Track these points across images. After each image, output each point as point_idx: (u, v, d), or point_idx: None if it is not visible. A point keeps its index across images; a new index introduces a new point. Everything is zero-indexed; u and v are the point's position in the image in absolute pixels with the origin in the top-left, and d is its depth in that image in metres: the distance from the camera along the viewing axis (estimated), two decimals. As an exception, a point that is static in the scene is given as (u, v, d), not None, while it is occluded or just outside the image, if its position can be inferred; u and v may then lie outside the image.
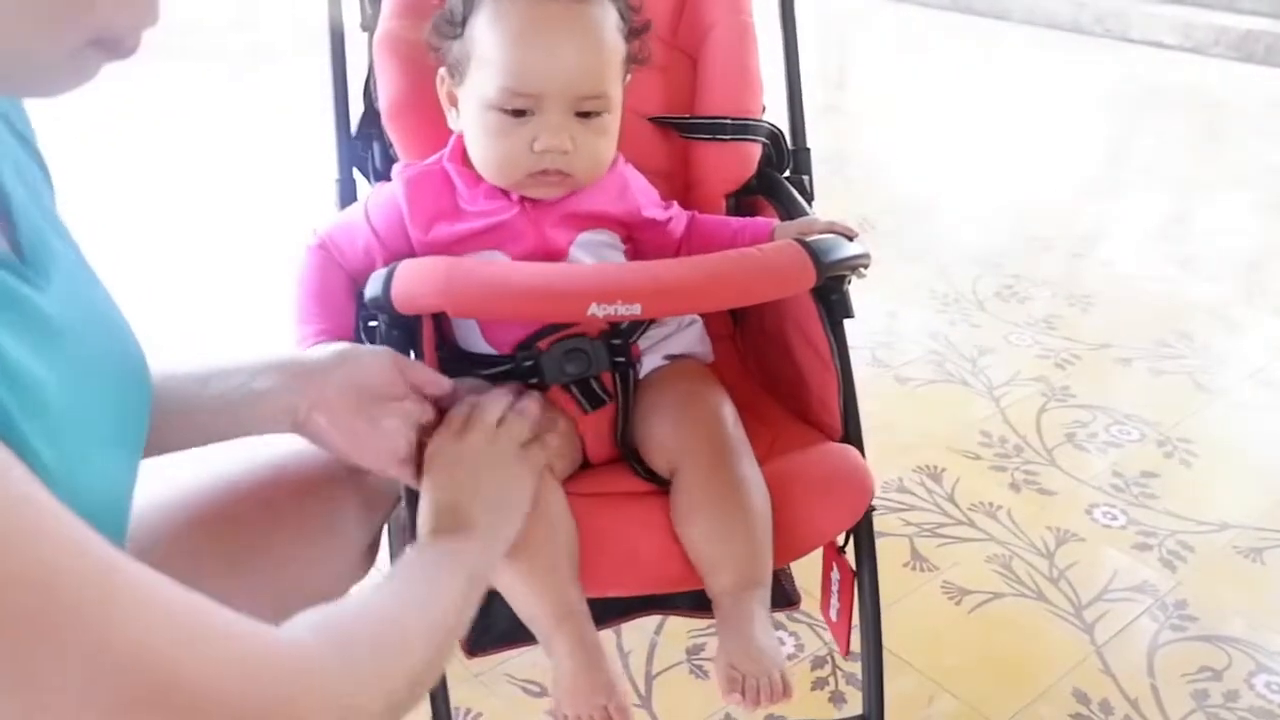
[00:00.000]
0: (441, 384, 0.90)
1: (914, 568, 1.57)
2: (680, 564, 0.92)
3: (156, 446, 0.78)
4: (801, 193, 1.18)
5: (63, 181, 0.72)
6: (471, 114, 0.97)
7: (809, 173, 1.23)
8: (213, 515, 0.87)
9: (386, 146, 1.14)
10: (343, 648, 0.56)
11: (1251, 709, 1.33)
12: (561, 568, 0.89)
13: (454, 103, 1.01)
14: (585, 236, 1.01)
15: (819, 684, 1.35)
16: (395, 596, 0.68)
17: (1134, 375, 2.18)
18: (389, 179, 1.14)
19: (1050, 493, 1.76)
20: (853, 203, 3.01)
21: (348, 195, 1.16)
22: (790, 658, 1.38)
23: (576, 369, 0.97)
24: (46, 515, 0.43)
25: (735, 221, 1.10)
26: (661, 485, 0.97)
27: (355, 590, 0.64)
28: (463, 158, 1.01)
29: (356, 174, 1.19)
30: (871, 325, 2.30)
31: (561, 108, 0.94)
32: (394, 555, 1.44)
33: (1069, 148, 3.76)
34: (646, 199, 1.07)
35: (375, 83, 1.13)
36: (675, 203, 1.11)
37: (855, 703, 1.31)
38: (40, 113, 0.70)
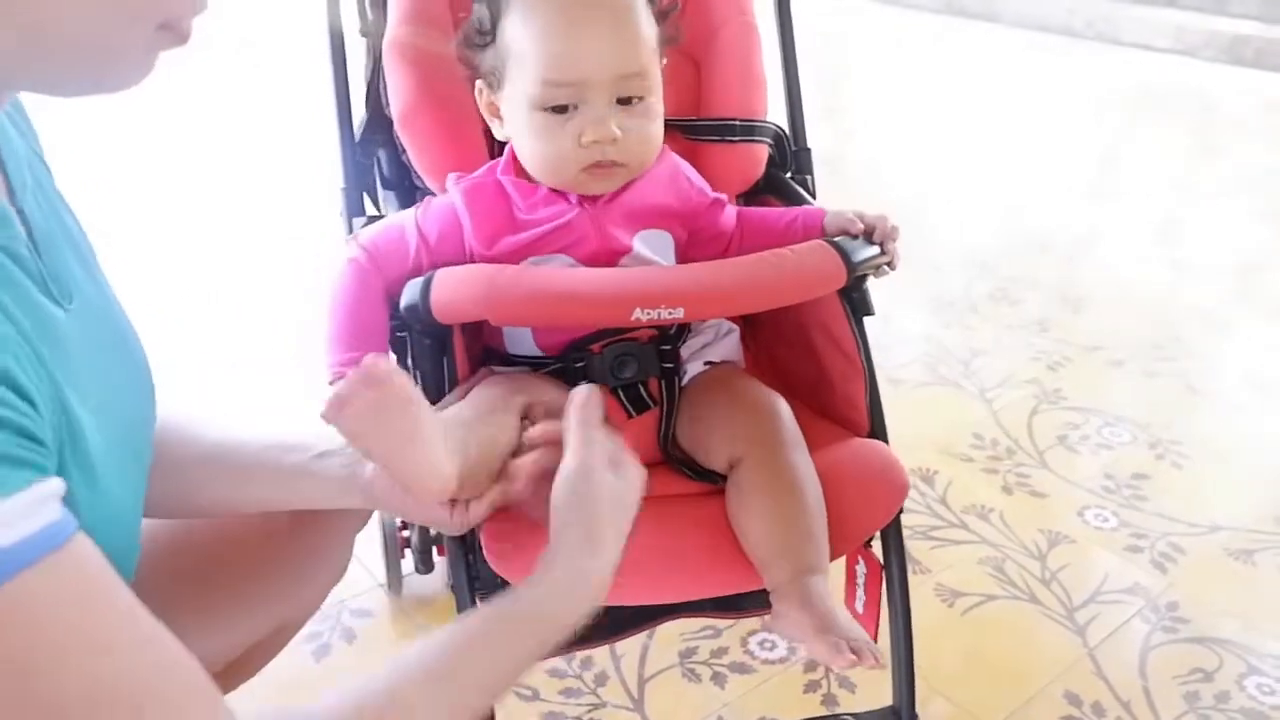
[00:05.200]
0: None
1: (907, 570, 1.57)
2: (729, 563, 0.91)
3: (231, 506, 0.84)
4: (805, 192, 1.18)
5: (60, 179, 0.72)
6: (517, 119, 0.96)
7: (811, 172, 1.23)
8: (190, 538, 0.87)
9: (397, 153, 1.12)
10: None
11: (1243, 710, 1.34)
12: None
13: (495, 113, 0.99)
14: (646, 234, 1.00)
15: (811, 687, 1.35)
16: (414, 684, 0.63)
17: (1126, 378, 2.18)
18: (399, 186, 1.13)
19: (1042, 495, 1.77)
20: (848, 205, 3.00)
21: (354, 203, 1.15)
22: (782, 661, 1.38)
23: (628, 374, 0.97)
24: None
25: (788, 214, 1.09)
26: (714, 483, 0.96)
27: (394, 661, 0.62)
28: (516, 168, 0.99)
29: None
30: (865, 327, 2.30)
31: (604, 97, 0.92)
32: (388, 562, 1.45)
33: (1062, 150, 3.77)
34: (700, 180, 1.06)
35: (385, 89, 1.11)
36: (723, 194, 1.08)
37: (847, 706, 1.31)
38: (39, 109, 0.70)
